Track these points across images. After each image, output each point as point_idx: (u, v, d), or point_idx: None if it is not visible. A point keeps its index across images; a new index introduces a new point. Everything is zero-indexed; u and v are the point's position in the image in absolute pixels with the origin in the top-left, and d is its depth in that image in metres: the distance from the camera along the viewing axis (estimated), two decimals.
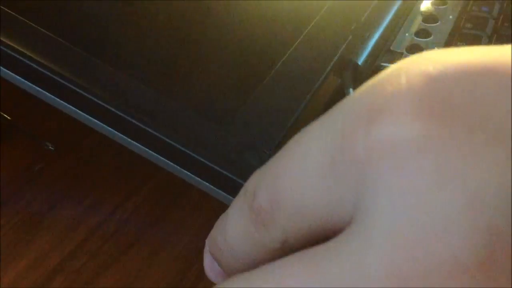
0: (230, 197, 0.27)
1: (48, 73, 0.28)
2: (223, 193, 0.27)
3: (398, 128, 0.18)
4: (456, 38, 0.40)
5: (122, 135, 0.28)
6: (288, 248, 0.22)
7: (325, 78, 0.32)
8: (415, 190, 0.18)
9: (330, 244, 0.19)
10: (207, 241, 0.25)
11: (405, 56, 0.37)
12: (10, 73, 0.28)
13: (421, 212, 0.17)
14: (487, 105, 0.18)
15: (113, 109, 0.28)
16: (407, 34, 0.39)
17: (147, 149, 0.28)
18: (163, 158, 0.28)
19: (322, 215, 0.20)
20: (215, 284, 0.26)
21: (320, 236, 0.21)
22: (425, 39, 0.38)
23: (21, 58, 0.28)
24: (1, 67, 0.28)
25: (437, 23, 0.40)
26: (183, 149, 0.27)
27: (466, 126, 0.18)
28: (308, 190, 0.20)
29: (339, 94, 0.30)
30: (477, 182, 0.17)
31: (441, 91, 0.18)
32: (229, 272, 0.24)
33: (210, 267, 0.25)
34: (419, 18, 0.41)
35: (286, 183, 0.20)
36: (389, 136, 0.18)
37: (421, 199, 0.18)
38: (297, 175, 0.20)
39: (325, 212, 0.20)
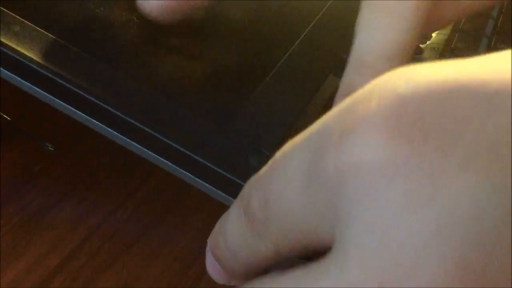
0: (230, 197, 0.27)
1: (48, 74, 0.28)
2: (222, 193, 0.27)
3: (365, 152, 0.18)
4: (456, 36, 0.40)
5: (121, 136, 0.28)
6: (281, 256, 0.22)
7: (325, 79, 0.32)
8: (384, 218, 0.17)
9: (310, 271, 0.19)
10: (209, 240, 0.25)
11: None
12: (10, 74, 0.28)
13: (392, 242, 0.17)
14: (458, 125, 0.17)
15: (112, 110, 0.27)
16: None
17: (146, 150, 0.28)
18: (162, 159, 0.28)
19: (307, 231, 0.20)
20: (215, 283, 0.26)
21: (310, 248, 0.21)
22: (425, 40, 0.38)
23: (20, 59, 0.28)
24: (1, 68, 0.28)
25: None
26: (182, 149, 0.27)
27: (436, 148, 0.17)
28: (291, 205, 0.20)
29: None
30: (446, 208, 0.17)
31: (410, 112, 0.18)
32: (229, 272, 0.24)
33: (211, 265, 0.25)
34: None
35: (273, 196, 0.21)
36: (357, 160, 0.18)
37: (391, 227, 0.17)
38: (281, 189, 0.20)
39: (308, 228, 0.20)
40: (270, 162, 0.22)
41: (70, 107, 0.28)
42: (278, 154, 0.21)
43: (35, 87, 0.28)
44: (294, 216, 0.20)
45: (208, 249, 0.25)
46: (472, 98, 0.17)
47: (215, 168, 0.27)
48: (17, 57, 0.28)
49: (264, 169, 0.22)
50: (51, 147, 0.36)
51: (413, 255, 0.17)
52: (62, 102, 0.28)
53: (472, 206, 0.16)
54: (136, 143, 0.28)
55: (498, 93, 0.17)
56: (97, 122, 0.28)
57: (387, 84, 0.19)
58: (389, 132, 0.17)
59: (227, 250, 0.24)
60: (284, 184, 0.20)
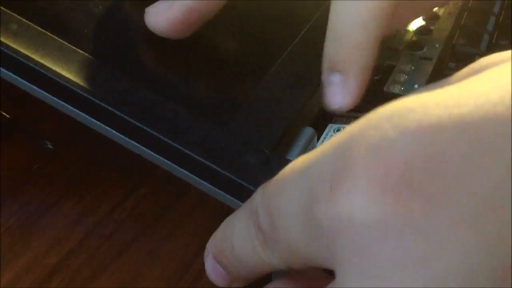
0: (229, 196, 0.27)
1: (46, 73, 0.28)
2: (222, 192, 0.27)
3: (355, 208, 0.17)
4: (457, 35, 0.39)
5: (120, 135, 0.28)
6: (290, 267, 0.22)
7: None
8: (379, 275, 0.17)
9: None
10: (209, 246, 0.25)
11: (404, 53, 0.36)
12: (9, 72, 0.28)
13: None
14: (448, 180, 0.16)
15: (111, 109, 0.27)
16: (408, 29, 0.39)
17: (145, 149, 0.28)
18: (161, 158, 0.28)
19: (310, 257, 0.20)
20: (214, 284, 0.26)
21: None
22: (426, 36, 0.38)
23: (19, 57, 0.28)
24: (0, 67, 0.28)
25: (437, 20, 0.40)
26: (181, 148, 0.27)
27: (427, 205, 0.16)
28: (294, 234, 0.20)
29: None
30: (440, 264, 0.16)
31: (398, 163, 0.17)
32: (233, 277, 0.24)
33: (213, 270, 0.25)
34: None
35: (278, 216, 0.21)
36: (348, 215, 0.18)
37: (385, 281, 0.17)
38: (284, 212, 0.20)
39: (310, 254, 0.20)
40: (274, 181, 0.22)
41: (69, 106, 0.28)
42: (280, 176, 0.21)
43: (33, 86, 0.28)
44: (297, 243, 0.20)
45: (207, 252, 0.25)
46: (462, 148, 0.17)
47: (214, 167, 0.27)
48: (16, 56, 0.28)
49: (269, 186, 0.22)
50: (50, 145, 0.36)
51: None
52: (61, 101, 0.28)
53: (465, 262, 0.16)
54: (135, 142, 0.28)
55: (491, 141, 0.16)
56: (96, 121, 0.28)
57: (375, 128, 0.18)
58: (376, 187, 0.17)
59: (233, 257, 0.23)
60: (286, 213, 0.20)
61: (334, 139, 0.19)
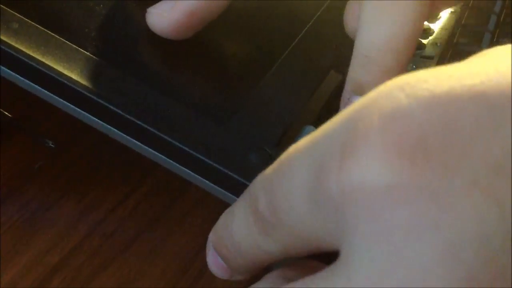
0: (230, 195, 0.27)
1: (47, 71, 0.28)
2: (223, 191, 0.27)
3: (368, 174, 0.17)
4: (459, 31, 0.39)
5: (121, 133, 0.28)
6: (289, 256, 0.22)
7: (326, 75, 0.32)
8: (390, 241, 0.17)
9: (317, 279, 0.19)
10: (210, 237, 0.25)
11: None
12: (10, 71, 0.28)
13: (399, 265, 0.17)
14: (462, 144, 0.17)
15: (113, 108, 0.27)
16: None
17: (146, 147, 0.28)
18: (163, 156, 0.28)
19: (314, 238, 0.20)
20: (216, 282, 0.26)
21: (319, 251, 0.21)
22: (427, 35, 0.38)
23: (20, 56, 0.28)
24: (1, 66, 0.28)
25: (439, 19, 0.40)
26: (183, 147, 0.27)
27: (441, 169, 0.17)
28: (297, 214, 0.20)
29: (341, 91, 0.30)
30: (453, 230, 0.16)
31: (412, 130, 0.17)
32: (233, 267, 0.24)
33: (213, 262, 0.25)
34: None
35: (280, 202, 0.20)
36: (360, 182, 0.17)
37: (398, 251, 0.17)
38: (287, 197, 0.20)
39: (315, 236, 0.20)
40: (275, 164, 0.22)
41: (70, 105, 0.28)
42: (284, 157, 0.21)
43: (34, 85, 0.28)
44: (301, 223, 0.20)
45: (209, 245, 0.25)
46: (476, 115, 0.17)
47: (216, 166, 0.27)
48: (17, 55, 0.28)
49: (270, 170, 0.22)
50: (51, 144, 0.36)
51: (420, 276, 0.17)
52: (62, 100, 0.28)
53: (479, 227, 0.16)
54: (137, 140, 0.28)
55: (503, 107, 0.17)
56: (97, 120, 0.28)
57: (388, 97, 0.18)
58: (391, 152, 0.17)
59: (232, 247, 0.23)
60: (290, 193, 0.20)
61: (342, 114, 0.19)
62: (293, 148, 0.21)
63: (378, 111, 0.18)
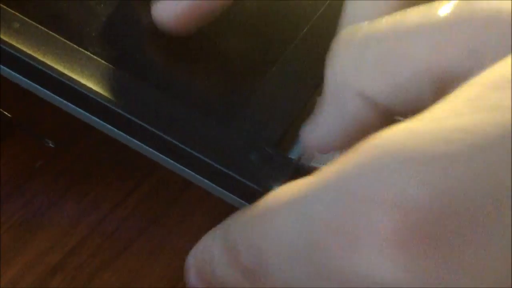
0: (231, 195, 0.27)
1: (48, 71, 0.28)
2: (223, 191, 0.27)
3: (374, 268, 0.16)
4: None
5: (121, 133, 0.28)
6: None
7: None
8: None
9: None
10: (191, 262, 0.24)
11: None
12: (10, 71, 0.28)
13: None
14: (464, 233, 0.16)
15: (113, 107, 0.27)
16: None
17: (147, 147, 0.28)
18: (163, 156, 0.28)
19: None
20: None
21: None
22: None
23: (21, 56, 0.28)
24: (1, 65, 0.28)
25: None
26: (183, 146, 0.27)
27: (443, 263, 0.16)
28: (288, 271, 0.19)
29: None
30: None
31: (411, 218, 0.16)
32: None
33: (197, 285, 0.24)
34: None
35: (270, 252, 0.19)
36: (365, 277, 0.16)
37: None
38: (278, 248, 0.19)
39: None
40: (257, 208, 0.20)
41: (70, 104, 0.28)
42: (265, 204, 0.20)
43: (35, 85, 0.28)
44: (294, 282, 0.19)
45: (189, 266, 0.24)
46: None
47: (216, 165, 0.27)
48: (17, 54, 0.28)
49: (251, 213, 0.21)
50: (51, 144, 0.36)
51: None
52: (62, 100, 0.28)
53: None
54: (137, 140, 0.28)
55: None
56: (98, 120, 0.28)
57: (375, 171, 0.17)
58: (393, 245, 0.16)
59: (216, 282, 0.22)
60: (281, 246, 0.19)
61: (325, 174, 0.18)
62: (273, 199, 0.20)
63: (368, 190, 0.17)
